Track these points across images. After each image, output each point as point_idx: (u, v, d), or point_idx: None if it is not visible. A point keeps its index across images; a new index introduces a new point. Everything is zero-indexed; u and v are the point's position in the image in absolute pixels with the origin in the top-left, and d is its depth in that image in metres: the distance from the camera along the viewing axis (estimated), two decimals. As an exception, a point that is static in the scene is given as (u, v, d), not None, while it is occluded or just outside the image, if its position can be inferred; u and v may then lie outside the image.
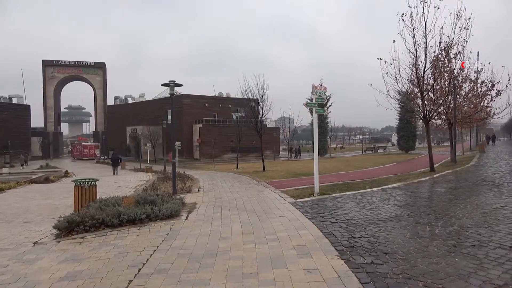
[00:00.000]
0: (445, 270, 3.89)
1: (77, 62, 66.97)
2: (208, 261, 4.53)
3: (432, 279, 3.64)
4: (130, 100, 66.93)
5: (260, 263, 4.34)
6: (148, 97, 62.48)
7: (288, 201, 8.71)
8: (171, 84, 11.53)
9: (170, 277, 4.06)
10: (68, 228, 6.55)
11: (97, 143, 60.05)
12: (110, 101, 69.01)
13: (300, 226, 6.13)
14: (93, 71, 68.15)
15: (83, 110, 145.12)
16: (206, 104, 49.44)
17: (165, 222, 6.99)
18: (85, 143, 61.52)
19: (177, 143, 22.34)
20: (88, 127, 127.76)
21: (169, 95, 12.15)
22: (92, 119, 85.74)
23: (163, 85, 12.01)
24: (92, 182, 8.96)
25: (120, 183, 17.15)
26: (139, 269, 4.38)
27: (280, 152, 53.79)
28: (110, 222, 6.68)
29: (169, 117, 43.45)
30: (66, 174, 24.90)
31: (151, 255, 4.93)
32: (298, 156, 44.23)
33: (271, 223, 6.47)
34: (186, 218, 7.35)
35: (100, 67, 68.68)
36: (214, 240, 5.54)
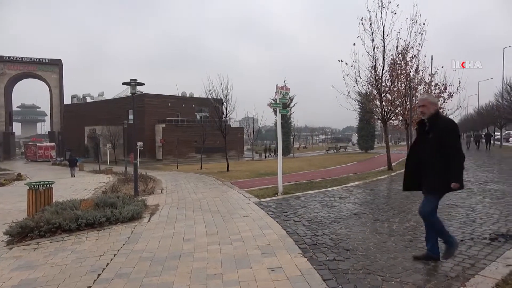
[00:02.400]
0: (403, 264, 4.06)
1: (31, 58, 63.37)
2: (172, 264, 4.45)
3: (390, 274, 3.80)
4: (88, 99, 64.35)
5: (225, 264, 4.33)
6: (108, 96, 60.41)
7: (252, 201, 8.74)
8: (133, 83, 11.22)
9: (131, 281, 3.95)
10: (21, 234, 6.21)
11: (53, 144, 57.10)
12: (67, 100, 66.06)
13: (264, 225, 6.18)
14: (48, 68, 64.74)
15: (38, 109, 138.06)
16: (169, 104, 48.56)
17: (127, 225, 6.80)
18: (39, 144, 58.37)
19: (138, 143, 21.83)
20: (43, 127, 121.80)
21: (130, 94, 11.83)
22: (48, 118, 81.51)
23: (124, 83, 11.66)
24: (48, 185, 8.54)
25: (78, 186, 16.47)
26: (99, 275, 4.23)
27: (244, 152, 53.91)
28: (67, 226, 6.40)
29: (131, 116, 42.29)
30: (19, 177, 23.52)
31: (111, 260, 4.77)
32: (274, 155, 45.39)
33: (235, 223, 6.47)
34: (149, 220, 7.19)
35: (56, 64, 65.40)
36: (178, 242, 5.46)
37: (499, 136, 35.18)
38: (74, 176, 24.16)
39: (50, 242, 5.89)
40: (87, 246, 5.57)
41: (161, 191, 12.05)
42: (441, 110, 22.41)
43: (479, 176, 12.11)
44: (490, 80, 55.11)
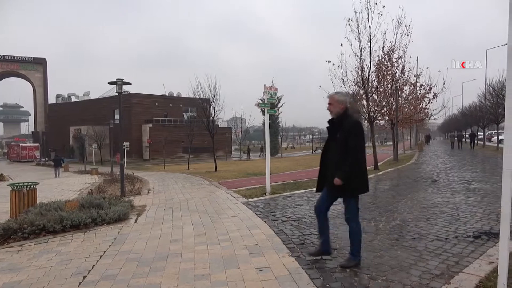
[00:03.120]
0: (389, 262, 4.11)
1: (14, 57, 62.08)
2: (159, 265, 4.41)
3: (377, 272, 3.84)
4: (73, 99, 63.31)
5: (212, 264, 4.32)
6: (94, 95, 59.57)
7: (240, 201, 8.73)
8: (119, 82, 11.10)
9: (118, 283, 3.90)
10: (4, 236, 6.08)
11: (37, 144, 56.03)
12: (52, 100, 64.88)
13: (252, 225, 6.17)
14: (32, 67, 63.53)
15: (21, 109, 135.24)
16: (156, 104, 48.20)
17: (113, 226, 6.72)
18: (23, 144, 57.20)
19: (125, 143, 21.59)
20: (27, 127, 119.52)
21: (117, 94, 11.70)
22: (31, 118, 79.99)
23: (110, 83, 11.53)
24: (32, 186, 8.37)
25: (63, 187, 16.23)
26: (84, 277, 4.16)
27: (232, 152, 53.83)
28: (52, 228, 6.29)
29: (117, 116, 41.79)
30: (1, 178, 23.06)
31: (97, 261, 4.71)
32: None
33: (223, 224, 6.45)
34: (135, 221, 7.11)
35: (40, 63, 64.22)
36: (165, 243, 5.41)
37: (482, 136, 35.97)
38: (58, 176, 23.78)
39: (34, 244, 5.78)
40: (72, 247, 5.49)
41: (148, 192, 11.95)
42: (427, 110, 22.89)
43: (463, 175, 12.34)
44: (474, 81, 56.13)
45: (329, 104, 4.01)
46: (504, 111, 3.09)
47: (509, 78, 3.02)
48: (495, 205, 6.98)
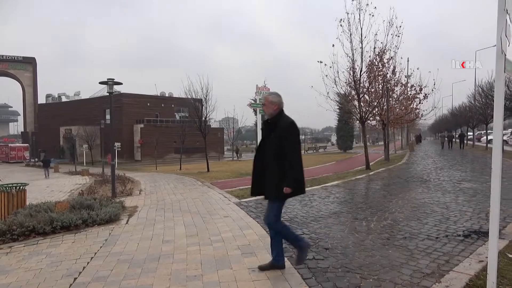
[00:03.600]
0: (380, 262, 4.14)
1: (2, 56, 61.22)
2: (150, 266, 4.39)
3: (368, 271, 3.86)
4: (64, 99, 62.49)
5: (205, 265, 4.31)
6: (85, 95, 58.88)
7: (232, 201, 8.72)
8: (110, 82, 11.01)
9: (109, 285, 3.87)
10: (-7, 238, 5.99)
11: (26, 144, 55.33)
12: (42, 100, 64.04)
13: (245, 225, 6.17)
14: (21, 67, 62.72)
15: (10, 109, 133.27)
16: (148, 104, 47.86)
17: (104, 227, 6.66)
18: (12, 145, 56.49)
19: (116, 144, 21.40)
20: (16, 127, 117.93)
21: (108, 94, 11.60)
22: (21, 118, 78.94)
23: (101, 83, 11.43)
24: (21, 187, 8.26)
25: (53, 188, 16.06)
26: (75, 278, 4.12)
27: (225, 153, 53.74)
28: (42, 229, 6.22)
29: (108, 116, 41.49)
30: (-10, 179, 22.71)
31: (88, 263, 4.66)
32: None
33: (215, 224, 6.44)
34: (127, 222, 7.06)
35: (29, 63, 63.43)
36: (157, 244, 5.38)
37: (472, 136, 36.46)
38: (48, 177, 23.52)
39: (24, 246, 5.70)
40: (62, 249, 5.43)
41: (139, 193, 11.87)
42: (417, 111, 23.12)
43: (453, 174, 12.49)
44: (464, 82, 56.87)
45: (263, 105, 3.97)
46: (493, 111, 3.13)
47: (497, 79, 3.07)
48: (485, 204, 7.07)
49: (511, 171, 12.52)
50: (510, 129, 33.17)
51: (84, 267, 4.50)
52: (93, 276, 4.17)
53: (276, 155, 3.67)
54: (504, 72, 3.02)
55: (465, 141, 33.46)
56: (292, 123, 3.79)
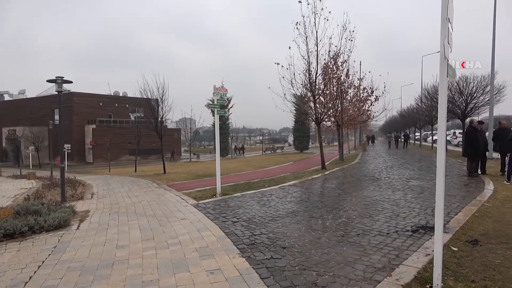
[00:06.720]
0: (335, 258, 4.27)
1: None
2: (104, 272, 4.21)
3: (324, 268, 3.97)
4: (7, 97, 58.33)
5: (161, 269, 4.20)
6: (31, 94, 55.39)
7: (190, 203, 8.60)
8: (59, 80, 10.41)
9: (58, 294, 3.66)
10: None
11: (-37, 146, 51.10)
12: (-19, 98, 59.42)
13: (203, 227, 6.11)
14: (-43, 62, 57.82)
15: None
16: (100, 103, 45.91)
17: (52, 234, 6.30)
18: None
19: (66, 145, 20.36)
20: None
21: (56, 93, 10.98)
22: (-43, 118, 72.60)
23: (48, 81, 10.77)
24: (-43, 193, 7.61)
25: (-5, 193, 14.90)
26: (20, 289, 3.86)
27: (182, 154, 52.86)
28: (-18, 238, 5.76)
29: (57, 116, 39.29)
30: None
31: (35, 272, 4.38)
32: (242, 154, 49.46)
33: (172, 227, 6.31)
34: (78, 228, 6.73)
35: (-33, 58, 58.66)
36: (110, 250, 5.18)
37: (419, 136, 38.73)
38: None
39: (-40, 257, 5.25)
40: (6, 258, 5.06)
41: (91, 196, 11.36)
42: (369, 112, 24.15)
43: (402, 173, 13.15)
44: (412, 85, 60.24)
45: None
46: (437, 113, 3.33)
47: (441, 83, 3.27)
48: (431, 201, 7.52)
49: (455, 169, 13.42)
50: (453, 130, 35.56)
51: (30, 277, 4.22)
52: (41, 285, 3.93)
53: None
54: (447, 76, 3.23)
55: (408, 141, 35.79)
56: None
